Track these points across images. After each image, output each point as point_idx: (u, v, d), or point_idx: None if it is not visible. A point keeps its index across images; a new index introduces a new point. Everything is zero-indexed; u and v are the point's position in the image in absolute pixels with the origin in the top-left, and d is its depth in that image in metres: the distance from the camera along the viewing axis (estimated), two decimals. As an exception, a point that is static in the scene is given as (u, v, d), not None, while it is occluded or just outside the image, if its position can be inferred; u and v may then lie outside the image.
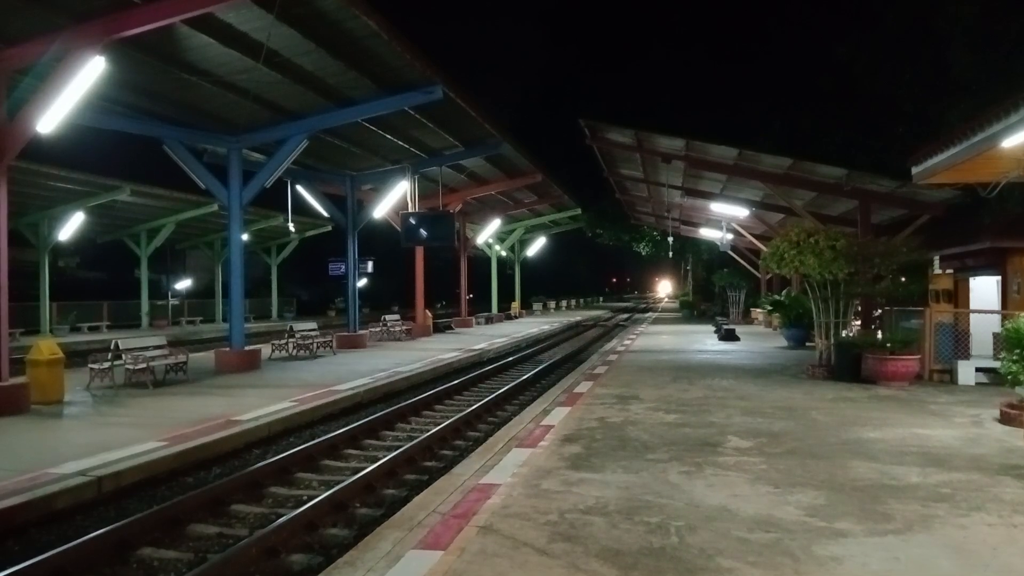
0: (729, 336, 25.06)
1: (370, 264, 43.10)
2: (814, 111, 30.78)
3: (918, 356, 13.35)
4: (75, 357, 18.07)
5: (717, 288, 45.77)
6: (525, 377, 17.71)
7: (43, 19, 10.98)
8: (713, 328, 29.86)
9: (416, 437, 11.00)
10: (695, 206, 32.02)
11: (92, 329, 33.83)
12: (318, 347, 21.26)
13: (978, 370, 13.17)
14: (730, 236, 33.40)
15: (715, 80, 73.66)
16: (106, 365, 14.19)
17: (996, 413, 9.74)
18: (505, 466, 7.34)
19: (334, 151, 21.19)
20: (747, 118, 35.75)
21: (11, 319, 12.35)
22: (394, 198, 23.38)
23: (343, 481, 8.37)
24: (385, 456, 9.62)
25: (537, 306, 64.11)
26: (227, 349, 17.92)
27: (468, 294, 38.55)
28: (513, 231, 44.65)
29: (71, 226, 29.15)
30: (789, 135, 29.88)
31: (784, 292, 28.57)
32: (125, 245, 36.60)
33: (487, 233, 37.27)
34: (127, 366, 14.25)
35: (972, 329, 13.55)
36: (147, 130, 16.17)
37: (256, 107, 15.90)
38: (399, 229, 23.45)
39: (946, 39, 23.21)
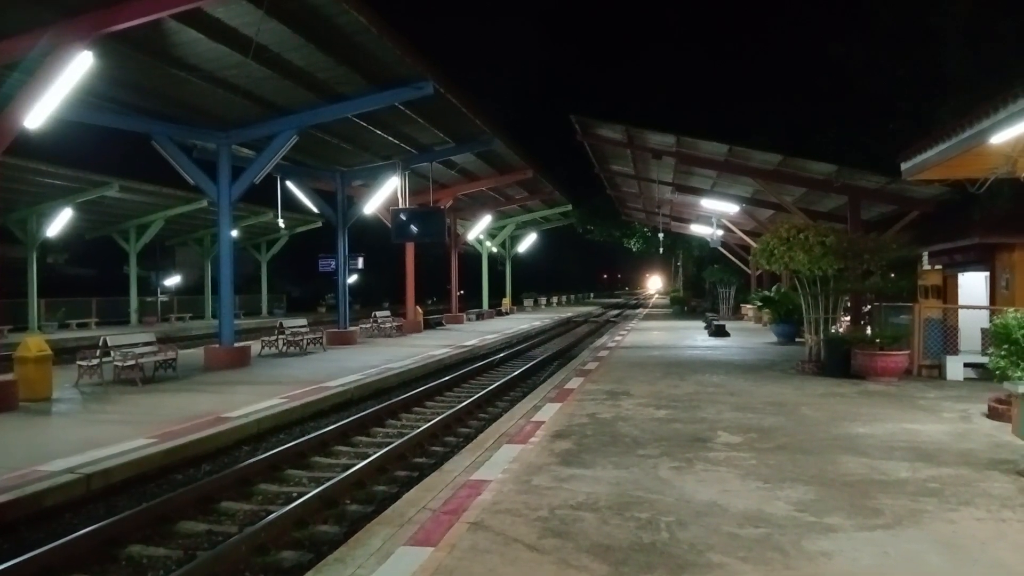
0: (719, 332, 25.13)
1: (360, 260, 43.15)
2: (809, 109, 30.88)
3: (907, 352, 13.42)
4: (64, 354, 17.96)
5: (707, 284, 45.93)
6: (516, 373, 17.72)
7: (31, 14, 10.88)
8: (703, 324, 29.95)
9: (407, 433, 11.00)
10: (686, 202, 32.05)
11: (81, 326, 33.66)
12: (308, 343, 21.21)
13: (966, 365, 13.24)
14: (720, 232, 33.48)
15: (710, 78, 73.82)
16: (95, 362, 14.12)
17: (984, 408, 9.79)
18: (496, 462, 7.33)
19: (324, 147, 21.13)
20: (742, 116, 35.88)
21: (-1, 316, 12.28)
22: (384, 194, 23.32)
23: (333, 478, 8.36)
24: (375, 453, 9.61)
25: (528, 302, 64.10)
26: (217, 346, 17.85)
27: (459, 290, 38.53)
28: (504, 227, 44.64)
29: (59, 222, 28.94)
30: (784, 132, 29.96)
31: (774, 288, 28.66)
32: (114, 241, 36.39)
33: (478, 229, 37.24)
34: (116, 363, 14.18)
35: (961, 325, 13.61)
36: (136, 126, 16.07)
37: (245, 103, 15.83)
38: (389, 225, 23.42)
39: (940, 37, 23.30)
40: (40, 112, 11.39)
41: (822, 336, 14.74)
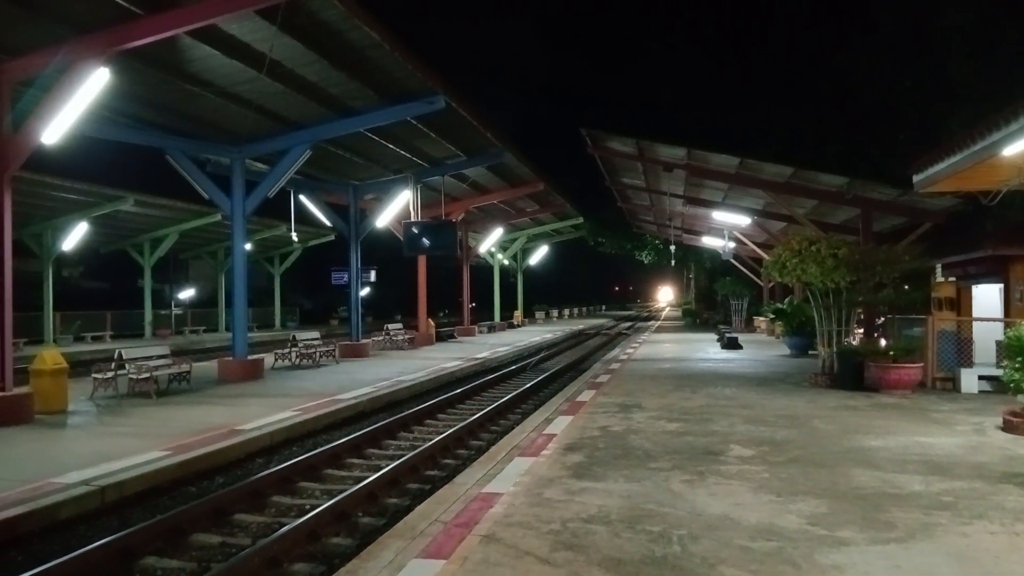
0: (732, 344, 25.05)
1: (373, 273, 43.14)
2: (814, 118, 30.82)
3: (921, 364, 13.34)
4: (79, 367, 18.08)
5: (719, 296, 45.80)
6: (528, 386, 17.71)
7: (47, 31, 11.06)
8: (716, 336, 29.85)
9: (418, 446, 11.01)
10: (697, 214, 32.01)
11: (95, 339, 33.88)
12: (321, 356, 21.28)
13: (981, 378, 13.15)
14: (732, 244, 33.40)
15: (714, 85, 73.71)
16: (110, 375, 14.20)
17: (999, 421, 9.72)
18: (507, 475, 7.34)
19: (337, 161, 21.25)
20: (747, 124, 35.82)
21: (15, 329, 12.39)
22: (396, 207, 23.42)
23: (346, 490, 8.38)
24: (387, 465, 9.63)
25: (539, 315, 64.11)
26: (230, 358, 17.93)
27: (470, 303, 38.56)
28: (515, 240, 44.69)
29: (75, 236, 29.23)
30: (789, 141, 29.90)
31: (786, 300, 28.56)
32: (128, 255, 36.69)
33: (489, 242, 37.30)
34: (130, 376, 14.26)
35: (975, 337, 13.53)
36: (150, 140, 16.23)
37: (259, 117, 15.97)
38: (401, 238, 23.50)
39: (944, 46, 23.25)
40: (56, 128, 11.54)
41: (835, 348, 14.68)
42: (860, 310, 16.47)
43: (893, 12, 25.75)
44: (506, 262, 46.37)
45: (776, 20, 47.82)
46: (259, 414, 12.04)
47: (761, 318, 35.81)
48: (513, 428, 11.29)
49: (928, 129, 22.25)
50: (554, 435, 9.46)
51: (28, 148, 11.66)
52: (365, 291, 37.55)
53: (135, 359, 14.74)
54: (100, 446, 9.61)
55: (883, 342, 16.05)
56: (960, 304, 15.18)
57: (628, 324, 60.00)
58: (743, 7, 72.90)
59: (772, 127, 32.93)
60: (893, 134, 25.38)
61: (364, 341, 25.20)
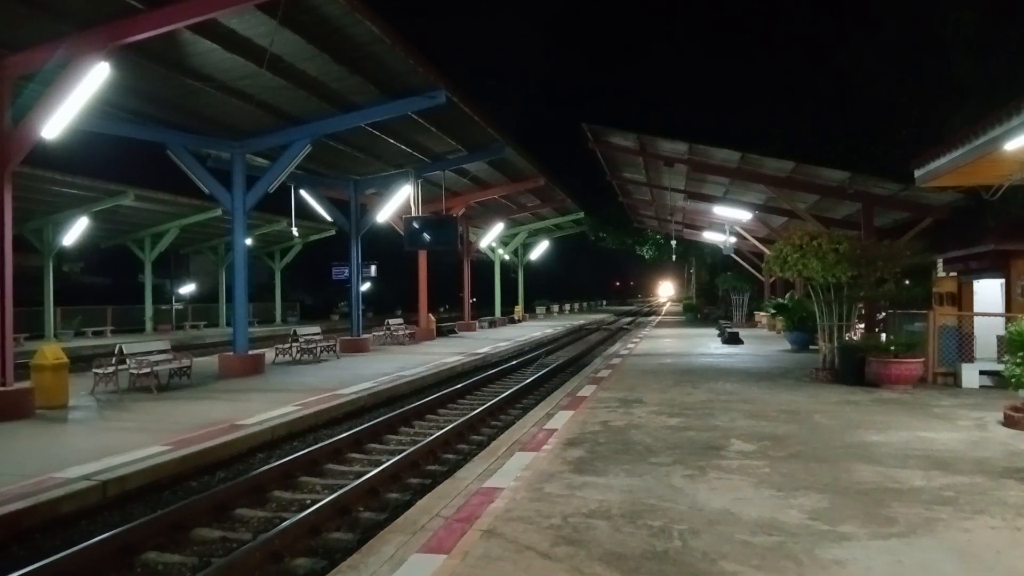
0: (733, 340, 25.05)
1: (373, 268, 43.17)
2: (816, 117, 30.79)
3: (922, 359, 13.34)
4: (79, 362, 18.08)
5: (720, 291, 45.79)
6: (528, 381, 17.71)
7: (47, 26, 11.03)
8: (716, 332, 29.84)
9: (419, 441, 11.02)
10: (698, 209, 32.03)
11: (96, 334, 33.89)
12: (322, 351, 21.29)
13: (982, 373, 13.13)
14: (733, 239, 33.41)
15: (716, 84, 73.68)
16: (110, 370, 14.22)
17: (1000, 416, 9.72)
18: (508, 470, 7.34)
19: (337, 156, 21.22)
20: (749, 123, 35.79)
21: (16, 324, 12.40)
22: (397, 202, 23.40)
23: (346, 485, 8.38)
24: (388, 460, 9.64)
25: (540, 310, 64.10)
26: (231, 353, 17.92)
27: (471, 298, 38.56)
28: (516, 235, 44.69)
29: (75, 231, 29.21)
30: (791, 140, 29.86)
31: (787, 295, 28.58)
32: (129, 250, 36.67)
33: (490, 237, 37.30)
34: (131, 371, 14.28)
35: (976, 332, 13.53)
36: (151, 135, 16.20)
37: (259, 112, 15.95)
38: (402, 233, 23.50)
39: (947, 46, 23.20)
40: (57, 122, 11.51)
41: (836, 344, 14.67)
42: (861, 305, 16.46)
43: (895, 12, 25.69)
44: (507, 257, 46.35)
45: (778, 19, 47.72)
46: (260, 409, 12.04)
47: (762, 313, 35.82)
48: (514, 423, 11.27)
49: (930, 128, 22.20)
50: (555, 430, 9.46)
51: (29, 143, 11.65)
52: (366, 286, 37.60)
53: (136, 354, 14.75)
54: (101, 441, 9.62)
55: (884, 337, 16.05)
56: (961, 299, 15.15)
57: (629, 319, 60.02)
58: (745, 6, 72.87)
59: (773, 126, 32.91)
60: (895, 133, 25.34)
61: (365, 336, 25.21)
